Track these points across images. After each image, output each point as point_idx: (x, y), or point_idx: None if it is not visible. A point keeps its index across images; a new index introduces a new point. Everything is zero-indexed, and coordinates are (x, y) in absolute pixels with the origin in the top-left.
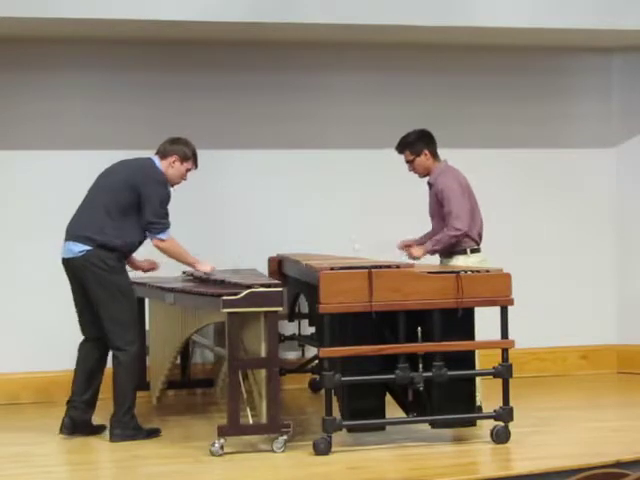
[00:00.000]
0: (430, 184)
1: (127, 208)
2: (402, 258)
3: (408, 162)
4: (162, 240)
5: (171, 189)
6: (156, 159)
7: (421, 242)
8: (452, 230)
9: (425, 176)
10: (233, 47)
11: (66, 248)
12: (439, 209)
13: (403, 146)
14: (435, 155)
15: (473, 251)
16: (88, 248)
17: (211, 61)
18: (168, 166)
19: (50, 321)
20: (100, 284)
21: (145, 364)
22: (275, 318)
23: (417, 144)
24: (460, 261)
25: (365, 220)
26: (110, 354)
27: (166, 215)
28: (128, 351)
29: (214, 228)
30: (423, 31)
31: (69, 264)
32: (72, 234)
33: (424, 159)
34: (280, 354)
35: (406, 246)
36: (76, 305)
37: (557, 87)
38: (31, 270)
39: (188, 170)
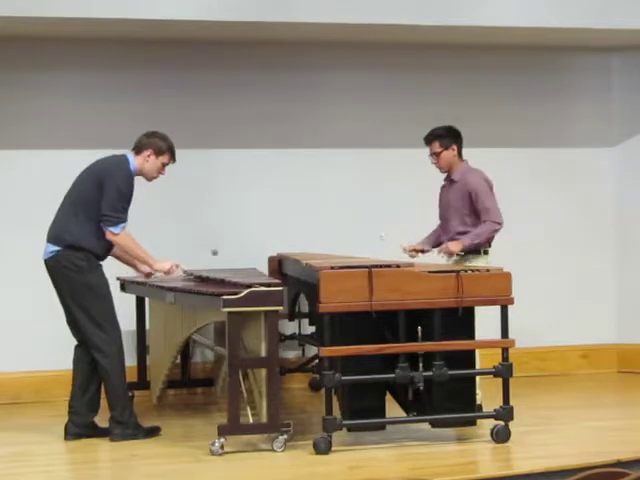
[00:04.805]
0: (453, 180)
1: (94, 205)
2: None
3: (434, 154)
4: (114, 234)
5: (136, 184)
6: (130, 155)
7: (430, 243)
8: (494, 225)
9: (446, 171)
10: (232, 46)
11: (44, 249)
12: (465, 206)
13: (434, 137)
14: (460, 153)
15: (486, 252)
16: (57, 249)
17: (210, 60)
18: (143, 161)
19: (51, 320)
20: (71, 285)
21: (145, 363)
22: (275, 317)
23: (447, 138)
24: (475, 261)
25: (365, 219)
26: None
27: (123, 209)
28: (107, 352)
29: (214, 228)
30: (423, 30)
31: (46, 265)
32: (48, 235)
33: (451, 154)
34: (280, 353)
35: (412, 250)
36: (61, 306)
37: (557, 87)
38: (31, 269)
39: (164, 164)
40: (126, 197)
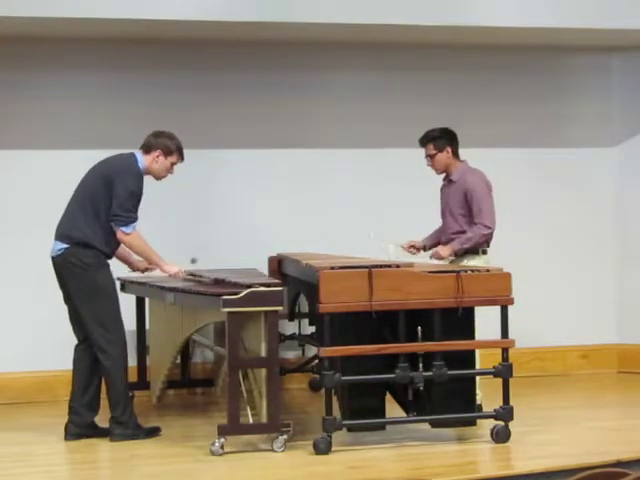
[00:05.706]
0: (452, 181)
1: (102, 204)
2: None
3: (429, 156)
4: (125, 233)
5: (144, 184)
6: (139, 154)
7: (430, 242)
8: (484, 229)
9: (442, 173)
10: (232, 46)
11: (52, 247)
12: (461, 206)
13: (427, 139)
14: (456, 154)
15: (484, 252)
16: (66, 246)
17: (210, 60)
18: (152, 161)
19: (52, 320)
20: (78, 283)
21: (145, 363)
22: (275, 317)
23: (441, 140)
24: (473, 261)
25: (365, 220)
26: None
27: (133, 208)
28: (110, 352)
29: (214, 228)
30: (423, 31)
31: (53, 263)
32: (56, 233)
33: (445, 156)
34: (280, 353)
35: (411, 247)
36: (65, 304)
37: (557, 87)
38: (32, 269)
39: (173, 164)
40: (136, 196)
